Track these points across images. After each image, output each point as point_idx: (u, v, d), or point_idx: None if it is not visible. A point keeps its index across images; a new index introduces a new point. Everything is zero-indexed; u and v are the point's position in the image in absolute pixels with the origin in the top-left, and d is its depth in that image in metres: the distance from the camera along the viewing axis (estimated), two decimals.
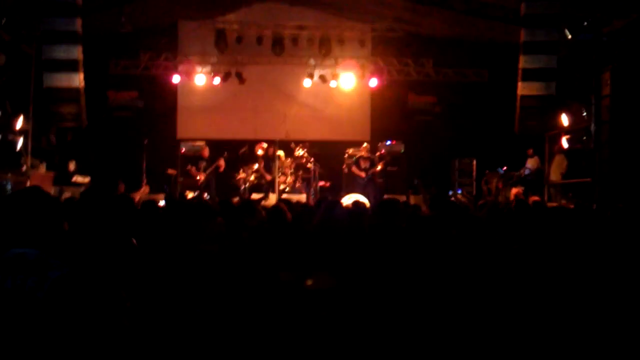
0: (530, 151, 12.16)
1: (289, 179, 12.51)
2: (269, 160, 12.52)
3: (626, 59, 10.63)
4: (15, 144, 10.71)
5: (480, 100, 14.03)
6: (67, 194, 10.23)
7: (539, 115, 12.45)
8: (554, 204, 10.46)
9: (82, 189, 11.24)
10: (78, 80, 11.89)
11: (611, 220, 6.19)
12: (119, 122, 13.93)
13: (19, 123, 10.90)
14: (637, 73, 9.96)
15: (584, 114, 11.42)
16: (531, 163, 12.08)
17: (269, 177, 12.45)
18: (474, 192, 12.83)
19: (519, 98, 12.66)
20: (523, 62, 12.53)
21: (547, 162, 12.05)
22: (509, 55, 12.74)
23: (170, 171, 12.72)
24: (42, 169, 11.46)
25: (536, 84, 12.52)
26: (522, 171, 12.05)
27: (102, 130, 13.31)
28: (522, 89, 12.58)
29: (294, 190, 12.46)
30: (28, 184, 10.65)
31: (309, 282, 3.16)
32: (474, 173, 13.26)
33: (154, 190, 11.71)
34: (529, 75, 12.51)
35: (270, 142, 12.65)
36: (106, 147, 13.26)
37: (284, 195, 11.59)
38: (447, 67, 14.47)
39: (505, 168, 12.23)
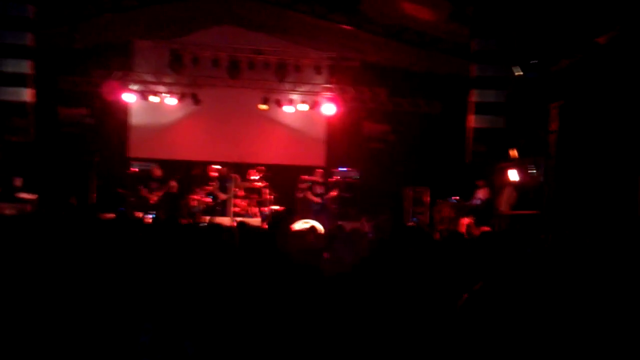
0: (481, 182, 12.45)
1: (243, 202, 12.41)
2: (224, 180, 12.40)
3: (573, 96, 11.08)
4: None
5: (433, 130, 14.35)
6: (10, 211, 9.84)
7: (488, 147, 12.83)
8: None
9: (27, 206, 10.83)
10: (27, 94, 11.57)
11: (554, 244, 6.39)
12: (69, 138, 13.53)
13: None
14: (584, 110, 10.39)
15: (533, 171, 11.77)
16: (482, 194, 12.36)
17: (223, 197, 12.33)
18: (427, 220, 13.02)
19: (470, 130, 13.03)
20: (474, 95, 12.94)
21: (496, 194, 12.35)
22: (462, 88, 13.12)
23: (121, 190, 12.41)
24: None
25: (486, 117, 12.92)
26: (473, 201, 12.31)
27: (50, 146, 12.89)
28: (473, 121, 12.96)
29: (247, 214, 12.36)
30: None
31: None
32: (428, 201, 13.47)
33: (103, 209, 11.38)
34: (480, 109, 12.91)
35: (225, 165, 12.54)
36: (54, 164, 12.83)
37: (239, 219, 11.46)
38: (401, 97, 14.76)
39: (457, 198, 12.47)
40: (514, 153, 12.51)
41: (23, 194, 11.18)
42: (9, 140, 11.29)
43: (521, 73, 12.52)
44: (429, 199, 13.34)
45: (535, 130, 12.12)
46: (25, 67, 11.56)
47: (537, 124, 12.09)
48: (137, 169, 13.02)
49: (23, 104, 11.52)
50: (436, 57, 13.73)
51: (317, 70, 14.58)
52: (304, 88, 14.61)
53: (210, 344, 2.53)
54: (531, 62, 12.33)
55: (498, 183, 12.39)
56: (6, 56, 11.29)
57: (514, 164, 12.22)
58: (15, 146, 11.67)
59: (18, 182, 11.38)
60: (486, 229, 10.91)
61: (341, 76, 14.72)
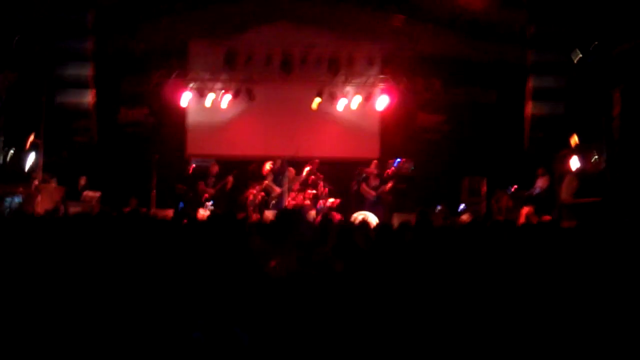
0: (541, 170, 12.14)
1: (298, 196, 12.52)
2: (278, 174, 12.54)
3: (635, 80, 10.67)
4: (26, 159, 10.78)
5: (489, 119, 14.06)
6: (76, 209, 10.27)
7: (547, 135, 12.50)
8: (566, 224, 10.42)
9: (92, 203, 11.30)
10: (89, 97, 12.01)
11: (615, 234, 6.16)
12: (130, 138, 14.01)
13: (31, 139, 10.99)
14: None
15: (595, 158, 11.41)
16: (541, 182, 12.06)
17: (277, 190, 12.47)
18: (484, 210, 12.78)
19: (528, 118, 12.72)
20: (532, 82, 12.62)
21: (557, 182, 12.02)
22: (518, 75, 12.82)
23: (180, 187, 12.75)
24: (53, 184, 11.51)
25: (545, 103, 12.60)
26: (532, 190, 12.02)
27: (112, 146, 13.38)
28: (532, 108, 12.65)
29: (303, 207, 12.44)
30: (39, 198, 10.71)
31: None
32: (484, 192, 13.22)
33: (163, 205, 11.75)
34: (538, 95, 12.59)
35: (279, 159, 12.70)
36: (117, 163, 13.32)
37: None
38: (456, 86, 14.53)
39: (515, 187, 12.21)
40: (574, 140, 12.16)
41: (87, 192, 11.67)
42: (73, 141, 11.80)
43: (581, 57, 12.15)
44: (486, 188, 13.10)
45: (596, 116, 11.74)
46: (86, 70, 12.03)
47: (599, 110, 11.71)
48: (195, 166, 13.34)
49: (85, 106, 11.97)
50: (491, 44, 13.45)
51: (370, 62, 14.52)
52: (357, 81, 14.59)
53: (265, 332, 2.56)
54: (591, 46, 11.95)
55: (558, 171, 12.08)
56: (68, 60, 11.75)
57: (574, 151, 11.88)
58: (80, 146, 12.20)
59: (82, 180, 11.88)
60: (547, 218, 10.65)
61: (394, 68, 14.62)
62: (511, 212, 11.66)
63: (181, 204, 9.32)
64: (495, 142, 13.64)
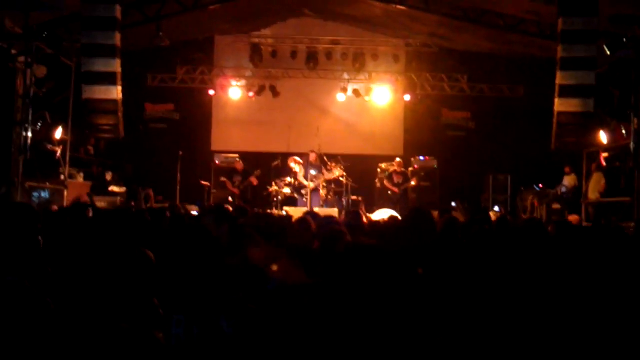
0: (568, 169, 11.93)
1: (322, 193, 12.50)
2: (309, 169, 12.47)
3: None
4: (54, 154, 10.94)
5: (515, 116, 13.85)
6: (102, 204, 10.42)
7: (576, 132, 12.23)
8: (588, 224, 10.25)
9: (117, 198, 11.45)
10: (116, 92, 12.12)
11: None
12: (155, 133, 14.16)
13: (58, 133, 11.15)
14: None
15: (623, 131, 11.17)
16: (568, 181, 11.85)
17: (305, 185, 12.42)
18: (509, 208, 12.63)
19: (555, 114, 12.47)
20: (560, 78, 12.33)
21: (584, 181, 11.81)
22: (545, 71, 12.57)
23: (204, 183, 12.85)
24: (80, 178, 11.70)
25: (574, 100, 12.31)
26: (558, 189, 11.83)
27: (138, 141, 13.53)
28: (559, 105, 12.38)
29: (326, 204, 12.44)
30: (65, 193, 10.88)
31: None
32: (509, 189, 13.06)
33: (187, 200, 11.84)
34: (567, 92, 12.30)
35: (303, 155, 12.69)
36: (142, 158, 13.47)
37: (316, 209, 11.57)
38: (482, 82, 14.35)
39: (541, 185, 12.02)
40: (603, 138, 11.91)
41: (114, 187, 11.83)
42: (100, 137, 11.94)
43: (611, 52, 11.88)
44: (510, 186, 12.93)
45: (627, 113, 11.47)
46: (113, 65, 12.09)
47: (629, 106, 11.44)
48: (219, 162, 13.42)
49: (112, 102, 12.06)
50: (518, 39, 13.22)
51: (395, 58, 14.44)
52: (382, 77, 14.51)
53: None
54: (622, 40, 11.67)
55: (586, 169, 11.85)
56: (96, 55, 11.84)
57: (603, 149, 11.65)
58: (106, 142, 12.35)
59: (109, 176, 12.04)
60: (574, 217, 10.47)
61: (419, 63, 14.50)
62: (536, 211, 11.50)
63: (198, 203, 9.37)
64: (521, 139, 13.44)
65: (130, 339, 1.73)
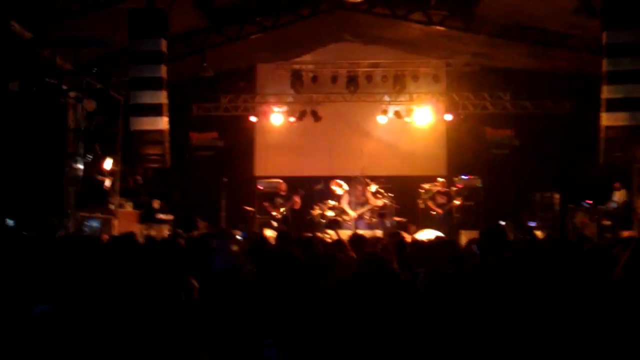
0: (617, 184, 11.61)
1: (366, 216, 12.52)
2: (352, 198, 12.51)
3: None
4: (103, 184, 11.31)
5: (561, 131, 13.59)
6: (152, 232, 10.69)
7: (624, 146, 11.91)
8: None
9: (165, 226, 11.72)
10: (162, 123, 12.45)
11: None
12: (200, 161, 14.47)
13: (108, 165, 11.53)
14: None
15: None
16: (618, 196, 11.53)
17: (352, 215, 12.46)
18: (559, 226, 12.33)
19: (603, 129, 12.19)
20: (606, 92, 12.07)
21: (635, 195, 11.47)
22: (590, 85, 12.32)
23: (248, 208, 13.03)
24: (129, 207, 12.04)
25: (621, 114, 12.01)
26: (608, 205, 11.51)
27: (184, 169, 13.85)
28: (606, 119, 12.10)
29: (370, 226, 12.43)
30: (116, 223, 11.22)
31: None
32: (557, 207, 12.77)
33: (232, 226, 12.02)
34: (613, 105, 12.02)
35: (346, 179, 12.74)
36: (188, 186, 13.77)
37: (360, 231, 11.57)
38: (525, 99, 14.16)
39: (590, 202, 11.72)
40: None
41: (161, 215, 12.12)
42: (147, 166, 12.28)
43: None
44: (559, 204, 12.64)
45: None
46: (160, 97, 12.45)
47: None
48: (263, 187, 13.59)
49: (159, 132, 12.38)
50: (561, 54, 13.04)
51: (436, 78, 14.41)
52: (422, 97, 14.50)
53: (333, 340, 2.61)
54: None
55: (637, 184, 11.51)
56: (143, 88, 12.22)
57: None
58: (154, 171, 12.69)
59: (156, 204, 12.35)
60: (628, 234, 10.15)
61: (461, 83, 14.43)
62: (586, 228, 11.20)
63: (245, 235, 9.50)
64: (568, 155, 13.17)
65: None
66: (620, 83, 11.98)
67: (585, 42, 12.53)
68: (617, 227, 10.71)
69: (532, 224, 12.13)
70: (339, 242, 7.05)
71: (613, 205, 11.44)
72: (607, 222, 11.03)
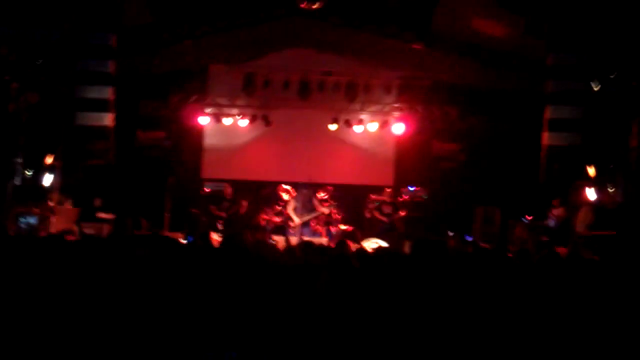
0: (556, 201, 11.98)
1: (312, 222, 12.54)
2: (299, 204, 12.52)
3: None
4: (43, 179, 10.95)
5: (505, 148, 13.95)
6: (90, 230, 10.39)
7: (564, 166, 12.34)
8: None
9: (105, 225, 11.40)
10: (108, 119, 12.18)
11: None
12: (146, 161, 14.15)
13: (49, 160, 11.17)
14: None
15: (612, 189, 11.28)
16: (557, 213, 11.89)
17: (297, 221, 12.46)
18: (498, 240, 12.63)
19: (544, 148, 12.59)
20: (549, 112, 12.50)
21: (572, 213, 11.86)
22: (536, 105, 12.72)
23: (194, 210, 12.83)
24: (68, 205, 11.66)
25: (562, 134, 12.47)
26: (547, 221, 11.86)
27: (128, 168, 13.53)
28: (548, 138, 12.53)
29: (315, 233, 12.45)
30: (53, 219, 10.84)
31: None
32: (498, 222, 13.09)
33: (176, 228, 11.83)
34: (555, 126, 12.47)
35: (294, 185, 12.73)
36: (132, 185, 13.45)
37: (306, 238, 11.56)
38: (473, 115, 14.48)
39: (530, 218, 12.05)
40: (592, 171, 12.00)
41: (102, 213, 11.79)
42: (90, 163, 11.96)
43: (599, 88, 12.04)
44: (500, 218, 12.96)
45: (614, 148, 11.60)
46: (107, 93, 12.20)
47: (616, 141, 11.58)
48: (209, 189, 13.43)
49: (104, 129, 12.12)
50: (509, 73, 13.42)
51: (387, 89, 14.56)
52: (373, 108, 14.64)
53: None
54: (610, 76, 11.85)
55: (574, 202, 11.90)
56: (89, 83, 11.93)
57: (591, 182, 11.72)
58: (96, 168, 12.35)
59: (98, 202, 12.01)
60: (562, 250, 10.48)
61: (411, 95, 14.62)
62: (525, 244, 11.49)
63: (190, 238, 9.30)
64: (510, 172, 13.52)
65: None
66: (563, 104, 12.43)
67: (531, 63, 12.94)
68: (554, 244, 11.03)
69: (469, 238, 12.37)
70: (291, 248, 7.02)
71: (552, 222, 11.79)
72: (545, 239, 11.35)
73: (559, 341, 3.02)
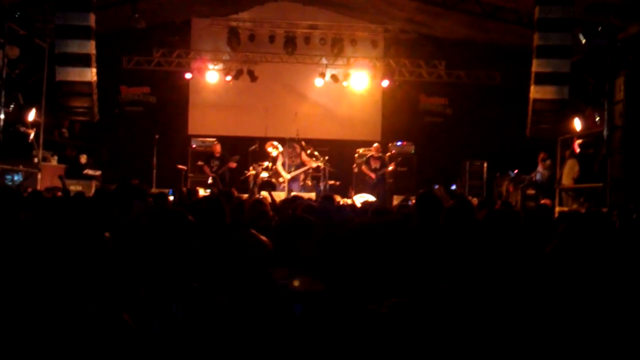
0: (542, 155, 12.08)
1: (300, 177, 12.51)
2: (286, 160, 12.44)
3: None
4: (27, 136, 10.75)
5: (492, 102, 13.98)
6: (76, 187, 10.27)
7: (551, 119, 12.38)
8: (565, 209, 10.40)
9: (92, 182, 11.30)
10: (90, 74, 11.91)
11: (621, 219, 6.13)
12: (131, 116, 13.97)
13: (32, 115, 10.96)
14: None
15: (597, 119, 11.36)
16: (543, 167, 12.01)
17: (285, 177, 12.42)
18: (484, 194, 12.77)
19: (531, 101, 12.60)
20: (536, 65, 12.45)
21: (558, 167, 11.98)
22: (522, 58, 12.68)
23: (181, 167, 12.75)
24: (54, 161, 11.52)
25: (549, 87, 12.44)
26: (533, 175, 11.98)
27: (113, 124, 13.35)
28: (535, 92, 12.51)
29: (304, 188, 12.44)
30: (39, 176, 10.72)
31: (296, 284, 3.09)
32: (485, 175, 13.20)
33: (164, 185, 11.73)
34: (542, 79, 12.43)
35: (281, 140, 12.65)
36: (118, 142, 13.31)
37: (294, 193, 11.57)
38: (459, 69, 14.42)
39: (516, 171, 12.16)
40: (577, 124, 12.09)
41: (88, 170, 11.67)
42: (74, 120, 11.75)
43: (586, 41, 12.01)
44: (486, 172, 13.07)
45: (601, 101, 11.65)
46: (87, 47, 11.86)
47: (603, 94, 11.61)
48: (196, 146, 13.31)
49: (87, 84, 11.85)
50: (496, 26, 13.31)
51: (374, 43, 14.43)
52: (360, 62, 14.50)
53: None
54: (598, 29, 11.80)
55: (560, 156, 12.02)
56: (70, 37, 11.60)
57: (577, 136, 11.81)
58: (81, 125, 12.16)
59: (83, 159, 11.87)
60: (546, 202, 10.64)
61: (398, 49, 14.51)
62: (511, 196, 11.64)
63: (170, 191, 9.26)
64: (497, 126, 13.57)
65: (94, 319, 1.69)
66: (549, 57, 12.38)
67: (519, 16, 12.83)
68: (540, 196, 11.17)
69: (453, 186, 12.51)
70: (274, 204, 7.03)
71: (538, 175, 11.91)
72: (531, 192, 11.47)
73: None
